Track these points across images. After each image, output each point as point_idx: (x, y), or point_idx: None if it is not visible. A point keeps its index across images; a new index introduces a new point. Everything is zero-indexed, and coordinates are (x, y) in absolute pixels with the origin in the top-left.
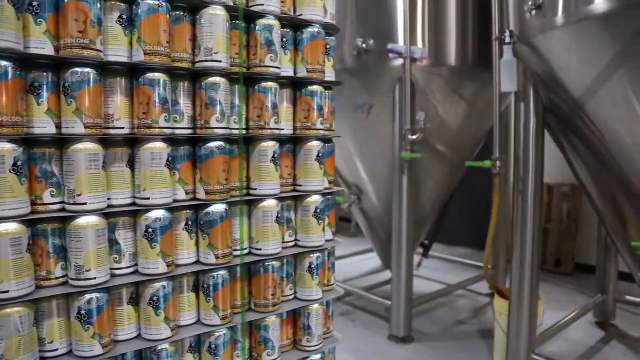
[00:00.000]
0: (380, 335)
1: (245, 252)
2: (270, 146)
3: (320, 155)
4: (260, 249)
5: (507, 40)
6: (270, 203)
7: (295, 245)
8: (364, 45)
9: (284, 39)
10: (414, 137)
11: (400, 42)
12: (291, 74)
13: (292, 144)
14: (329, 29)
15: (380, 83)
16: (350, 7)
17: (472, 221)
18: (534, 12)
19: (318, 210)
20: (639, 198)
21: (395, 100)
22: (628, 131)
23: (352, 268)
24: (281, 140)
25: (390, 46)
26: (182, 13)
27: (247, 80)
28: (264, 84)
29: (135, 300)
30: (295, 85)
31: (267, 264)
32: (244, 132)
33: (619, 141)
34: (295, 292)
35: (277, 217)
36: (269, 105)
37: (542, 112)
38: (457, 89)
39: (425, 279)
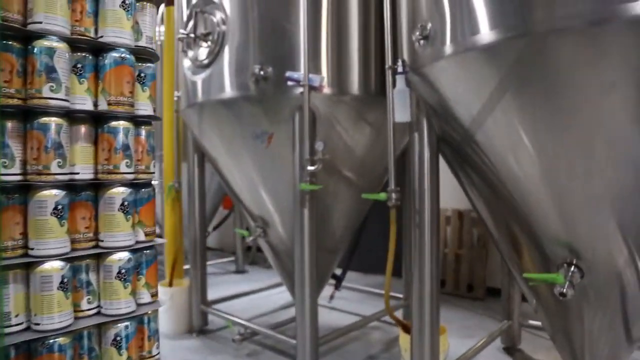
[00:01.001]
0: None
1: (19, 327)
2: (48, 196)
3: (126, 204)
4: (38, 324)
5: (400, 69)
6: (53, 265)
7: (99, 314)
8: (262, 73)
9: (79, 65)
10: (313, 167)
11: (302, 69)
12: (89, 107)
13: (93, 190)
14: (143, 54)
15: (279, 111)
16: (252, 32)
17: (387, 248)
18: (422, 42)
19: (122, 271)
20: (530, 227)
21: (294, 129)
22: (516, 160)
23: (266, 302)
24: (73, 187)
25: (288, 74)
26: None
27: (24, 114)
28: (41, 119)
29: None
30: (98, 120)
31: (48, 341)
32: (20, 177)
33: (508, 170)
34: None
35: (62, 281)
36: (49, 145)
37: (436, 142)
38: (362, 117)
39: (339, 310)
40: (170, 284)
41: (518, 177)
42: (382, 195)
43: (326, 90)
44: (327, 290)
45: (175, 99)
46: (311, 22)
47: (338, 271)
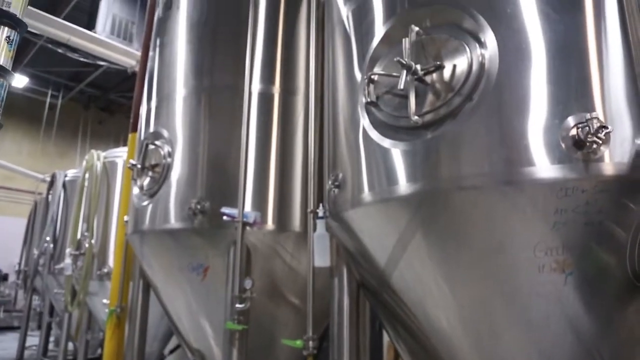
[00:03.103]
0: None
1: None
2: None
3: None
4: None
5: (320, 214)
6: None
7: None
8: (199, 207)
9: None
10: (241, 305)
11: (248, 206)
12: None
13: None
14: None
15: (216, 245)
16: (195, 166)
17: None
18: (335, 191)
19: None
20: None
21: (228, 264)
22: (431, 308)
23: None
24: None
25: (223, 209)
26: None
27: None
28: None
29: None
30: None
31: None
32: None
33: (432, 322)
34: None
35: None
36: None
37: (357, 289)
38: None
39: None
40: None
41: (443, 329)
42: (299, 343)
43: (269, 226)
44: None
45: (125, 223)
46: (259, 159)
47: None
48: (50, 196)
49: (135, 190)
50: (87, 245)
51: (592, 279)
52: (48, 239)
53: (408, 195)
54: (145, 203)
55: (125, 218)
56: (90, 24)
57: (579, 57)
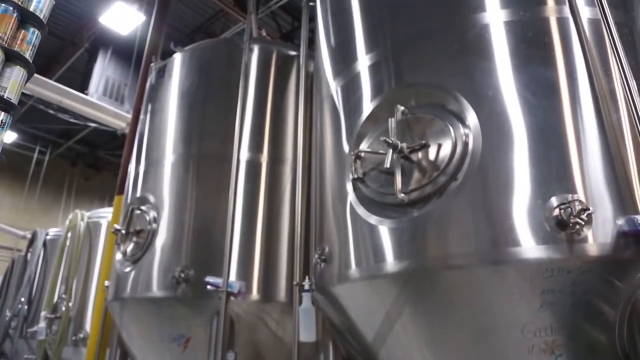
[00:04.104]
0: None
1: None
2: None
3: None
4: None
5: (307, 287)
6: None
7: None
8: (182, 275)
9: None
10: None
11: (233, 276)
12: None
13: None
14: None
15: (199, 315)
16: (180, 234)
17: None
18: (322, 264)
19: None
20: None
21: (210, 335)
22: None
23: None
24: None
25: (207, 278)
26: None
27: None
28: None
29: None
30: None
31: None
32: None
33: None
34: None
35: None
36: None
37: None
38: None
39: None
40: None
41: None
42: None
43: (253, 296)
44: None
45: (105, 288)
46: (245, 228)
47: None
48: (29, 254)
49: (118, 256)
50: (63, 308)
51: (582, 359)
52: (23, 299)
53: (395, 273)
54: (127, 269)
55: (106, 283)
56: (83, 84)
57: (558, 139)
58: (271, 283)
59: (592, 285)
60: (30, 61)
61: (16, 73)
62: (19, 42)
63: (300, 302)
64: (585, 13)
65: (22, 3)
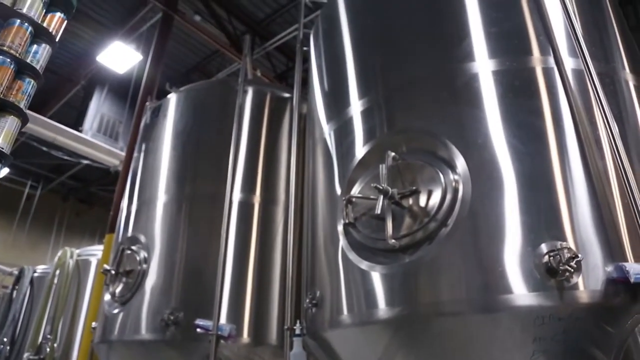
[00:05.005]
0: None
1: None
2: None
3: None
4: None
5: (298, 331)
6: None
7: None
8: (172, 317)
9: None
10: None
11: (223, 319)
12: None
13: None
14: None
15: (187, 359)
16: (171, 274)
17: None
18: (313, 309)
19: None
20: None
21: None
22: None
23: None
24: None
25: (197, 321)
26: None
27: None
28: None
29: None
30: None
31: None
32: None
33: None
34: None
35: None
36: None
37: None
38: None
39: None
40: None
41: None
42: None
43: (244, 339)
44: None
45: (92, 329)
46: (236, 269)
47: None
48: (14, 292)
49: (107, 297)
50: (48, 349)
51: None
52: (5, 340)
53: (387, 319)
54: (116, 311)
55: (94, 324)
56: (78, 121)
57: (546, 186)
58: (262, 326)
59: (584, 332)
60: (25, 110)
61: (10, 123)
62: (14, 92)
63: (291, 347)
64: (569, 64)
65: (19, 54)
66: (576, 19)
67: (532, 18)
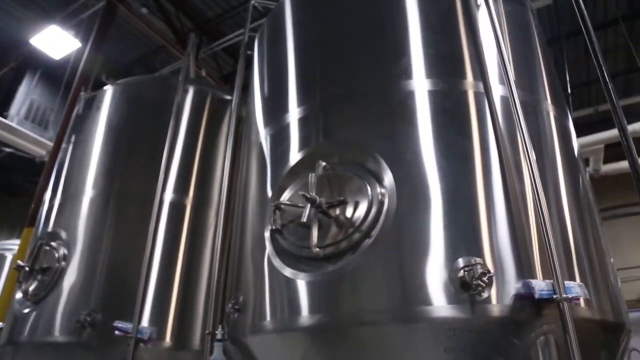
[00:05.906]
0: None
1: None
2: None
3: None
4: None
5: (219, 336)
6: None
7: None
8: (88, 318)
9: None
10: None
11: (145, 321)
12: None
13: None
14: None
15: None
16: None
17: None
18: (235, 315)
19: None
20: None
21: None
22: None
23: None
24: None
25: (117, 323)
26: None
27: None
28: None
29: None
30: None
31: None
32: None
33: None
34: None
35: None
36: None
37: None
38: None
39: None
40: None
41: None
42: None
43: (166, 343)
44: None
45: None
46: (163, 271)
47: None
48: None
49: (19, 295)
50: None
51: None
52: None
53: (308, 326)
54: (27, 310)
55: (0, 324)
56: (4, 105)
57: (467, 204)
58: (186, 331)
59: (492, 343)
60: None
61: None
62: None
63: (211, 352)
64: (498, 91)
65: None
66: (507, 50)
67: (467, 44)
